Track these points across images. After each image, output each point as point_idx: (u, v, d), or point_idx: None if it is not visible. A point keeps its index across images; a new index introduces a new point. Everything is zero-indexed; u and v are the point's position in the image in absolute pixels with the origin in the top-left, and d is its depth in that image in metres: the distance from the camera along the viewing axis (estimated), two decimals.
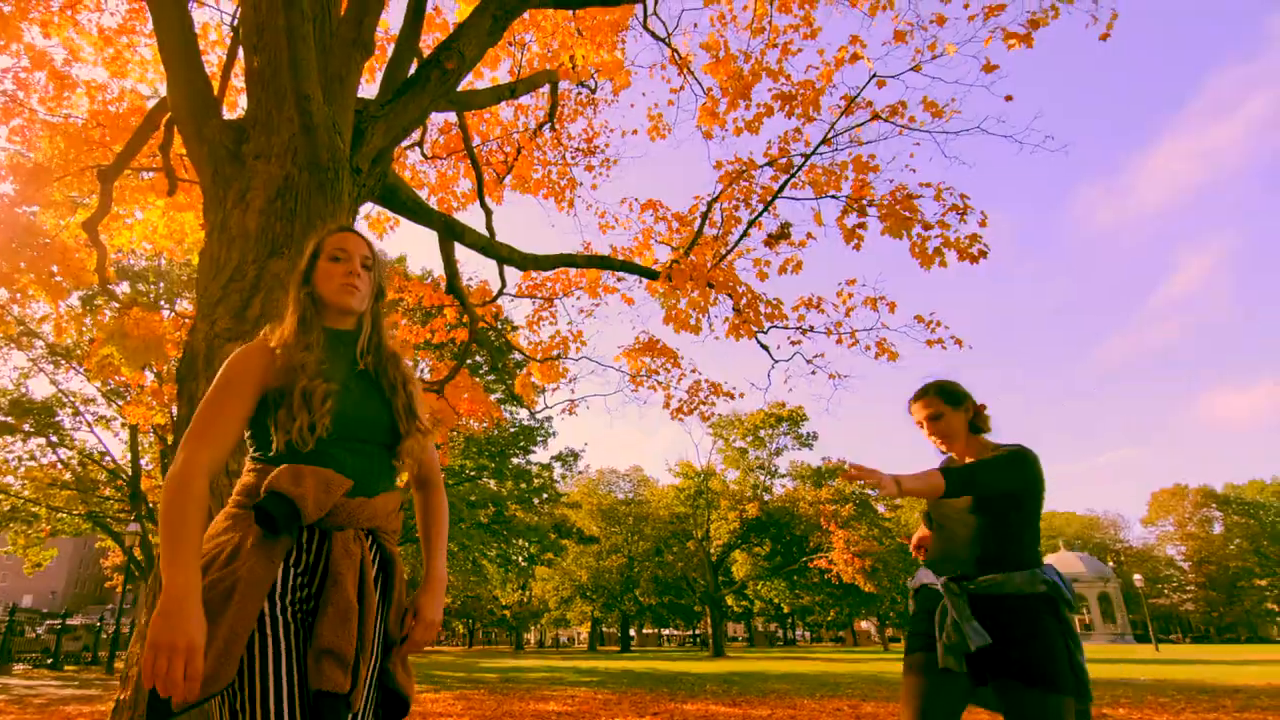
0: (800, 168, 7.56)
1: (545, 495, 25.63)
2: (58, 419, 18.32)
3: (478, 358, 18.71)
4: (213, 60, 7.47)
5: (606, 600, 41.05)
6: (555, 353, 9.64)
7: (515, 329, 14.27)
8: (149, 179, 7.45)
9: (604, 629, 56.43)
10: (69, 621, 20.85)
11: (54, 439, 18.21)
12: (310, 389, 1.28)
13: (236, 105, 7.27)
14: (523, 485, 24.31)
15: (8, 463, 18.10)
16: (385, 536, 1.34)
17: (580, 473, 35.10)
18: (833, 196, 7.52)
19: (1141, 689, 10.22)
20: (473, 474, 24.68)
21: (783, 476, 41.56)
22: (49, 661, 19.29)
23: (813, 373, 8.20)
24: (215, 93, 5.25)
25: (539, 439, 24.22)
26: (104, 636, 21.02)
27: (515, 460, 24.25)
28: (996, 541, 2.01)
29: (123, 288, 17.01)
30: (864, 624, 62.46)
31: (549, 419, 24.30)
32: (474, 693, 10.51)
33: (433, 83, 4.43)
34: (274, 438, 1.29)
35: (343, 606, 1.16)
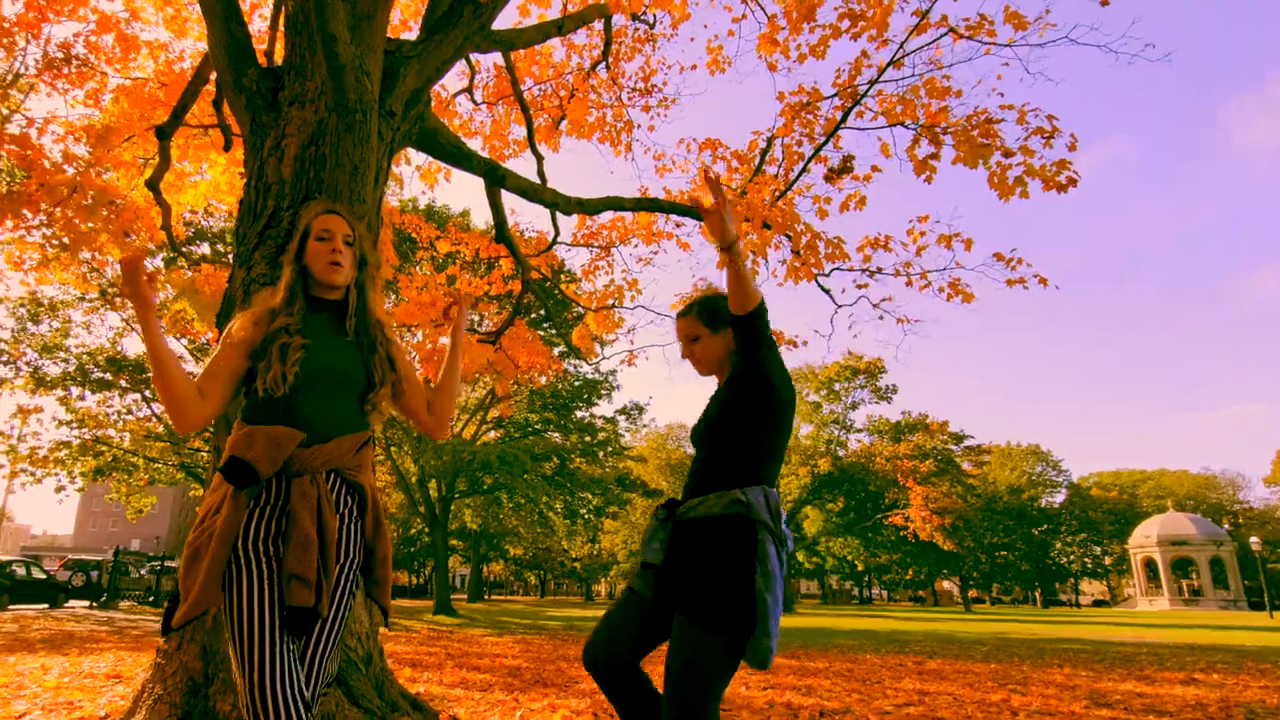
0: (867, 94, 7.14)
1: (609, 448, 26.11)
2: (149, 375, 19.91)
3: (540, 310, 18.98)
4: (266, 13, 7.66)
5: None
6: (610, 301, 9.65)
7: (574, 280, 14.35)
8: (209, 137, 7.79)
9: None
10: (168, 563, 23.14)
11: (147, 394, 19.84)
12: (286, 343, 1.54)
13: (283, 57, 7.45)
14: (586, 439, 24.83)
15: (108, 416, 19.90)
16: (348, 472, 1.57)
17: (646, 426, 35.51)
18: (904, 125, 7.09)
19: (1243, 655, 9.67)
20: (537, 427, 25.38)
21: (859, 431, 40.84)
22: (150, 599, 21.52)
23: (880, 318, 7.89)
24: (267, 45, 5.39)
25: (602, 393, 24.56)
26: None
27: (579, 413, 24.74)
28: (720, 461, 1.81)
29: (203, 248, 18.08)
30: (945, 584, 61.57)
31: (612, 373, 24.58)
32: (535, 638, 11.03)
33: (465, 18, 4.37)
34: (255, 387, 1.56)
35: (300, 539, 1.41)
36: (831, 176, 6.84)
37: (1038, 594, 58.66)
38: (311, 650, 1.46)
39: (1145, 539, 46.99)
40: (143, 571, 23.03)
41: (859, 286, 7.55)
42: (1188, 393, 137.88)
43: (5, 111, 9.95)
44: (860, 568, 46.18)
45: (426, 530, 25.19)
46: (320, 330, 1.64)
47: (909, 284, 7.33)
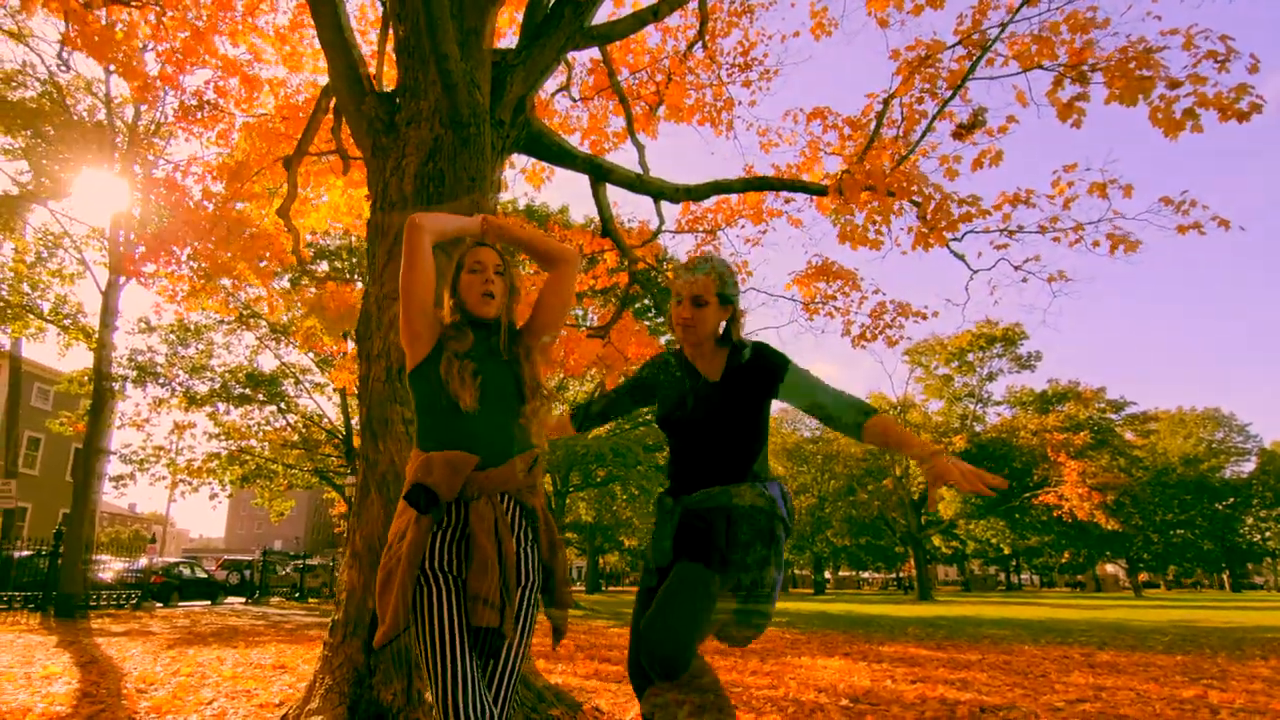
0: (999, 37, 6.71)
1: None
2: (283, 388, 21.95)
3: (645, 300, 19.23)
4: (372, 39, 8.23)
5: (796, 542, 41.44)
6: None
7: (679, 266, 14.42)
8: (327, 162, 8.49)
9: (795, 571, 57.10)
10: (309, 562, 25.61)
11: (282, 406, 21.92)
12: (462, 367, 1.67)
13: (395, 80, 8.00)
14: None
15: (250, 428, 22.18)
16: (521, 494, 1.68)
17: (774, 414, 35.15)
18: (1044, 68, 6.61)
19: None
20: (648, 418, 25.77)
21: (998, 404, 38.58)
22: (296, 595, 23.82)
23: (1024, 280, 7.44)
24: (373, 70, 5.81)
25: None
26: (336, 573, 25.84)
27: None
28: (735, 454, 1.98)
29: (321, 266, 19.68)
30: (1109, 567, 57.17)
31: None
32: None
33: (566, 19, 4.52)
34: (425, 413, 1.70)
35: (481, 561, 1.54)
36: (961, 133, 6.51)
37: (1225, 577, 53.23)
38: (498, 672, 1.56)
39: None
40: (288, 569, 25.52)
41: (997, 248, 7.15)
42: None
43: (152, 158, 11.33)
44: (1006, 551, 43.71)
45: None
46: (480, 353, 1.76)
47: (1056, 240, 6.87)
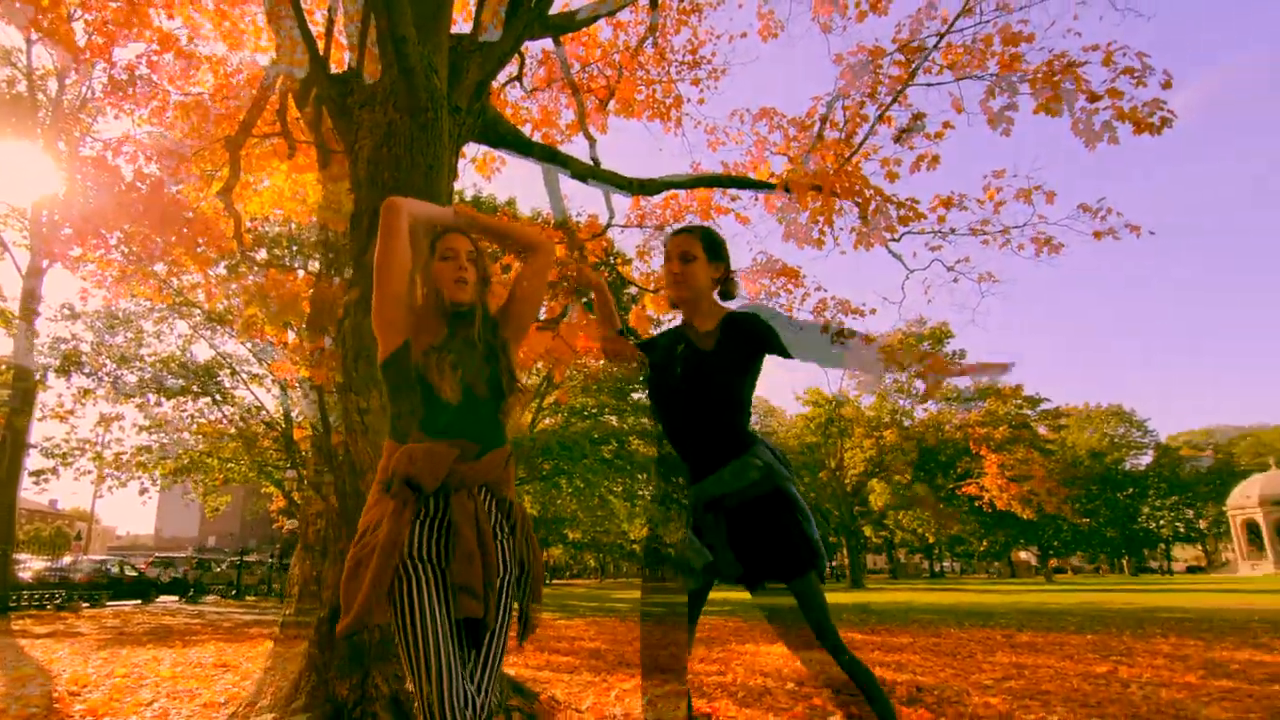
0: (935, 48, 6.90)
1: None
2: (219, 379, 20.92)
3: (593, 294, 19.14)
4: (319, 19, 7.88)
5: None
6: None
7: (627, 261, 14.39)
8: (271, 145, 8.09)
9: None
10: (246, 558, 24.56)
11: (218, 398, 20.89)
12: (441, 359, 1.62)
13: (344, 62, 7.65)
14: (645, 420, 25.02)
15: (183, 420, 21.07)
16: (500, 487, 1.65)
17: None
18: (976, 77, 6.84)
19: None
20: (594, 411, 25.70)
21: (925, 399, 39.91)
22: (233, 592, 22.87)
23: (955, 280, 7.69)
24: (322, 50, 5.56)
25: None
26: (275, 570, 24.88)
27: (636, 395, 24.91)
28: (731, 424, 2.04)
29: (261, 254, 18.82)
30: (1023, 554, 60.04)
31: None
32: (606, 620, 11.29)
33: (526, 7, 4.42)
34: (400, 403, 1.64)
35: (465, 550, 1.50)
36: (901, 136, 6.67)
37: (1125, 562, 56.63)
38: (480, 662, 1.53)
39: (1246, 500, 44.76)
40: (224, 566, 24.44)
41: (932, 249, 7.37)
42: None
43: (79, 135, 10.59)
44: (931, 540, 45.42)
45: None
46: (457, 344, 1.71)
47: (986, 243, 7.12)
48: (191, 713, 3.59)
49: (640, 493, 34.43)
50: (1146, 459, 53.34)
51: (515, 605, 1.68)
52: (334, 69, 5.37)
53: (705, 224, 2.26)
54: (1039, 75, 6.36)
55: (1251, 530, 45.10)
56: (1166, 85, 6.04)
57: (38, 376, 15.55)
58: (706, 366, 1.98)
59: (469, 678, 1.47)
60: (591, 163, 7.70)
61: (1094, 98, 6.19)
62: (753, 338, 2.00)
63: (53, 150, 11.35)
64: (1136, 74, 6.07)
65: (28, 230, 12.43)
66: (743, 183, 7.02)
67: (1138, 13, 6.27)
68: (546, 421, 25.84)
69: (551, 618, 12.32)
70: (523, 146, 5.65)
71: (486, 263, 1.82)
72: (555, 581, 52.57)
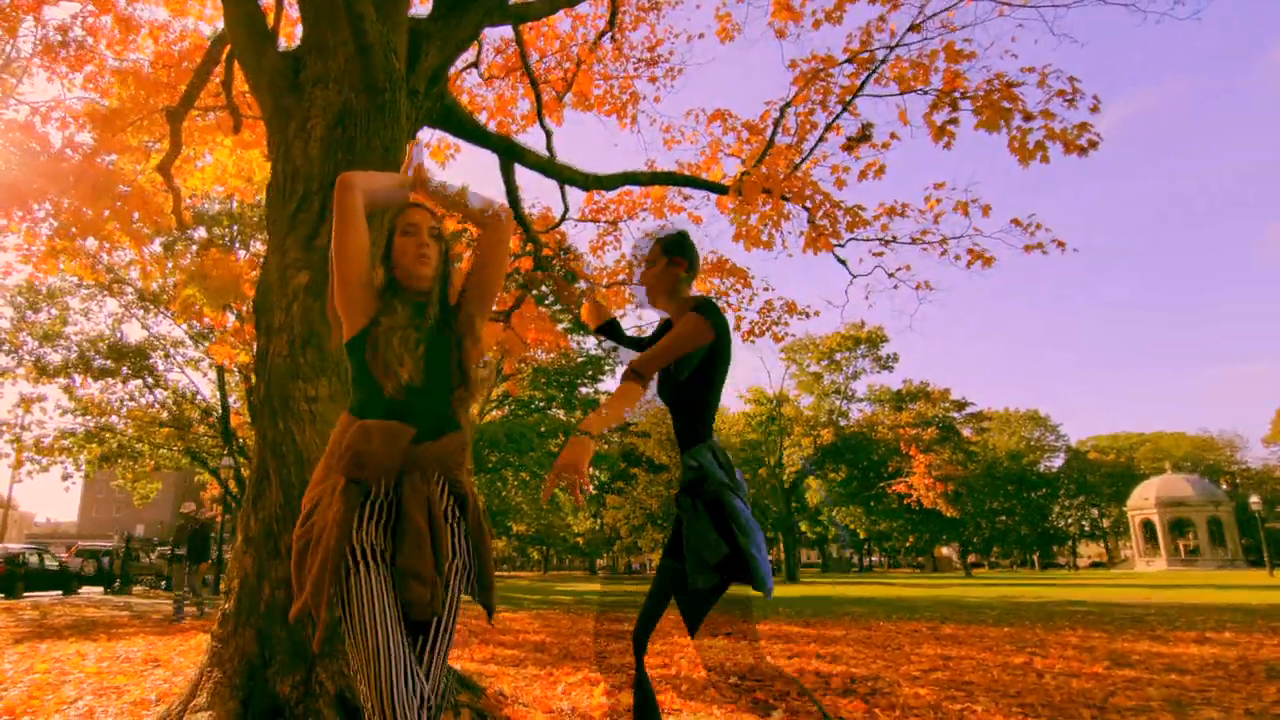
0: (885, 61, 7.04)
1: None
2: (151, 362, 19.84)
3: (543, 287, 18.91)
4: None
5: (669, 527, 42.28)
6: (620, 277, 9.60)
7: (579, 256, 14.27)
8: (215, 119, 7.66)
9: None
10: (178, 550, 23.38)
11: (150, 381, 19.81)
12: (404, 336, 1.53)
13: (294, 37, 7.29)
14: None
15: (110, 404, 19.90)
16: (455, 473, 1.58)
17: (649, 401, 35.62)
18: (921, 91, 7.01)
19: (1251, 614, 9.87)
20: (541, 404, 25.46)
21: (860, 401, 41.01)
22: (162, 584, 21.73)
23: (895, 286, 7.88)
24: (272, 23, 5.28)
25: (607, 368, 24.62)
26: (227, 558, 23.80)
27: (584, 390, 24.82)
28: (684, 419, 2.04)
29: (199, 233, 17.90)
30: (945, 550, 62.39)
31: (616, 349, 24.62)
32: (550, 613, 11.19)
33: None
34: (363, 383, 1.55)
35: (414, 535, 1.43)
36: (850, 145, 6.78)
37: (1036, 557, 59.51)
38: (428, 649, 1.47)
39: (1144, 501, 47.56)
40: (153, 557, 23.21)
41: (875, 255, 7.53)
42: (1187, 355, 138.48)
43: (1, 95, 9.74)
44: (862, 535, 46.77)
45: None
46: (419, 324, 1.62)
47: (926, 251, 7.31)
48: (120, 710, 3.35)
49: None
50: (1059, 461, 56.19)
51: (465, 594, 1.61)
52: (284, 44, 5.12)
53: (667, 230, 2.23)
54: (979, 93, 6.57)
55: (1148, 529, 47.99)
56: (1095, 109, 6.32)
57: None
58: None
59: (418, 665, 1.41)
60: (548, 154, 7.59)
61: (1029, 116, 6.42)
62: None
63: None
64: (1068, 96, 6.32)
65: None
66: (696, 183, 7.02)
67: (1073, 38, 6.51)
68: (494, 413, 25.46)
69: (498, 610, 12.13)
70: (479, 135, 5.50)
71: (450, 240, 1.73)
72: (499, 574, 51.92)
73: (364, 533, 1.45)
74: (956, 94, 6.83)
